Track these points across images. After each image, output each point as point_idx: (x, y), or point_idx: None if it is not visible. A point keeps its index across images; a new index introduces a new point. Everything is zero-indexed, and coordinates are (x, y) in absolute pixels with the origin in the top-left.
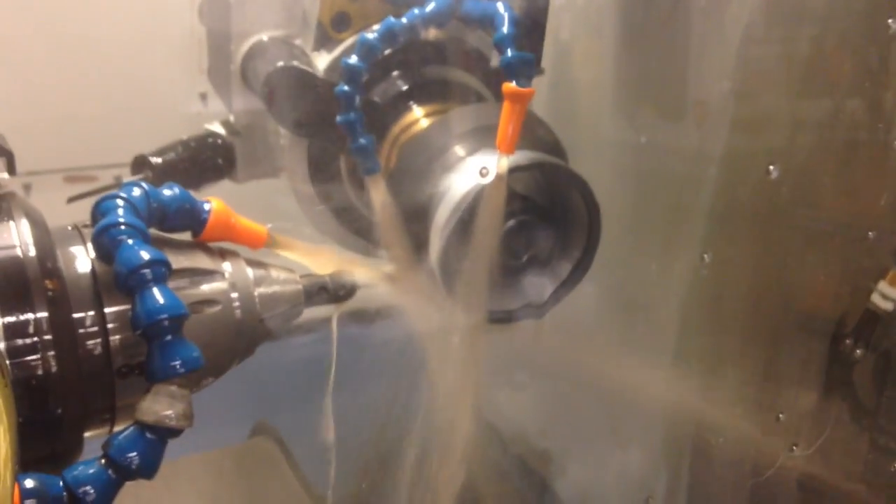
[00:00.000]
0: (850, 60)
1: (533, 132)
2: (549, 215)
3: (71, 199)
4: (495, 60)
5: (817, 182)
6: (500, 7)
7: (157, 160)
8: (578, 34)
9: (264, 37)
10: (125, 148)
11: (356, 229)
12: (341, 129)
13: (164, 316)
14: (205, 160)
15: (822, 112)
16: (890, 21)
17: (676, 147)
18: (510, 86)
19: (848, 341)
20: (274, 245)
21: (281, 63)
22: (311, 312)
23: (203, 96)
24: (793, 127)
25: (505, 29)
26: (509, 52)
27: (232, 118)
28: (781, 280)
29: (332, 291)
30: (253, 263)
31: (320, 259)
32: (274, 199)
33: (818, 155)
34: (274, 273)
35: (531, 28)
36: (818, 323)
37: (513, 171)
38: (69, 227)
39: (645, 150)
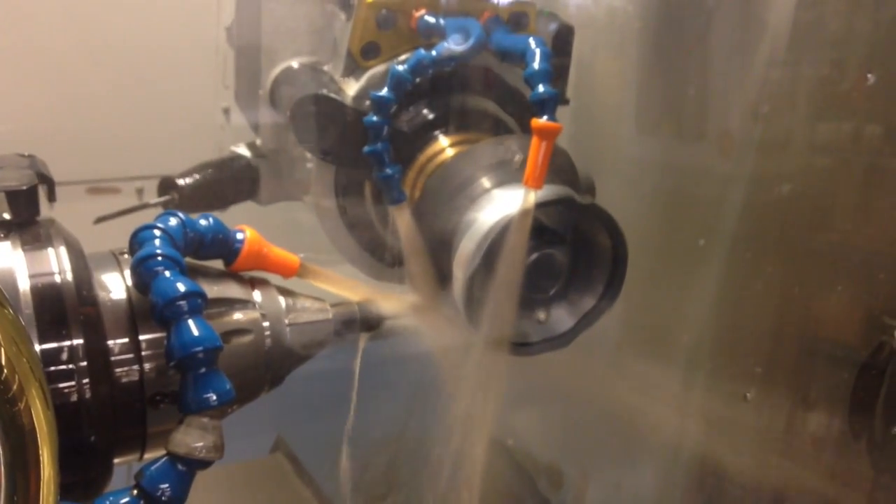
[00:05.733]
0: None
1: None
2: (573, 248)
3: (98, 220)
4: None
5: (838, 207)
6: (532, 43)
7: (183, 182)
8: (599, 52)
9: (294, 63)
10: (147, 160)
11: (379, 254)
12: (368, 159)
13: (199, 348)
14: (230, 182)
15: (843, 136)
16: None
17: (697, 170)
18: (539, 121)
19: (873, 372)
20: (305, 274)
21: (309, 90)
22: None
23: (226, 111)
24: (815, 151)
25: (536, 65)
26: (540, 88)
27: (258, 141)
28: (804, 307)
29: (361, 321)
30: (284, 292)
31: (350, 289)
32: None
33: (839, 180)
34: (305, 303)
35: (556, 60)
36: (843, 351)
37: (540, 206)
38: (106, 254)
39: (665, 172)
